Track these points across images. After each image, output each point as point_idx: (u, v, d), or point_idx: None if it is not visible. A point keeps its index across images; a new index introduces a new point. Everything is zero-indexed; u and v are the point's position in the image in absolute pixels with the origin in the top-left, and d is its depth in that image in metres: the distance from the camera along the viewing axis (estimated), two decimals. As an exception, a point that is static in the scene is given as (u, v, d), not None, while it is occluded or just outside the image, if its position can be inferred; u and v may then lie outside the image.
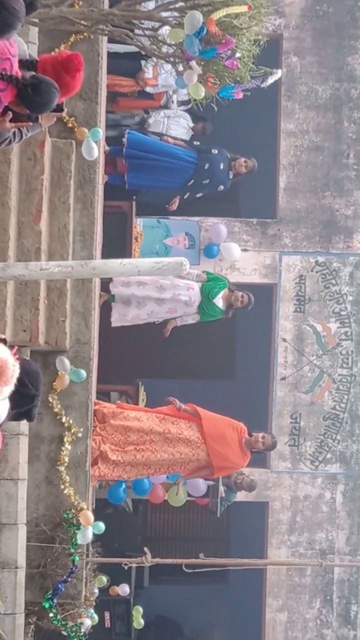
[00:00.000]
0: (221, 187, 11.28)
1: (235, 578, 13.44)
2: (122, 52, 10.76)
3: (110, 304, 10.38)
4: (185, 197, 11.29)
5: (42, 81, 5.35)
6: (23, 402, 5.00)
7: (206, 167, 11.05)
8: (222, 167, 11.12)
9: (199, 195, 11.35)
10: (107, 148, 10.81)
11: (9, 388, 4.61)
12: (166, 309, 10.32)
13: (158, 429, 9.23)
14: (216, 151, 11.11)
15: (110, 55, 10.30)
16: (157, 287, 10.16)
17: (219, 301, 10.40)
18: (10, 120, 5.48)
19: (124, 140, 10.90)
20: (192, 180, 11.10)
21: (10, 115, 5.44)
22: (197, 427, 9.35)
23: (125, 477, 9.34)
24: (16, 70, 5.34)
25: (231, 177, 11.22)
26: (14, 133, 5.75)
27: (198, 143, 11.25)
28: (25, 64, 5.51)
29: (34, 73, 5.46)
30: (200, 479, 10.29)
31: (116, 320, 10.39)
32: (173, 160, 11.02)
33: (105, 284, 10.19)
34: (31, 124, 5.69)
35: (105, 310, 10.33)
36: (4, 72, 5.23)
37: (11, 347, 4.74)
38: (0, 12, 4.99)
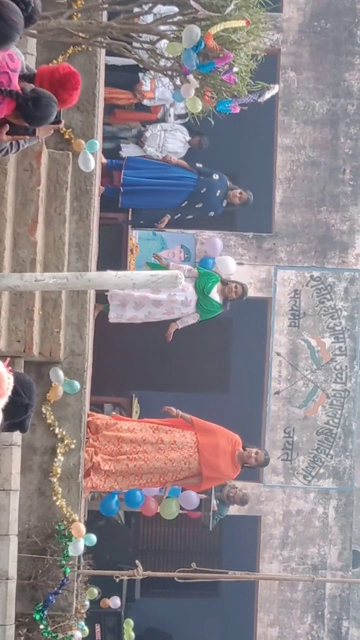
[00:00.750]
0: (212, 213, 11.35)
1: (226, 592, 13.43)
2: (119, 65, 10.79)
3: (106, 313, 10.41)
4: (175, 217, 11.35)
5: (42, 96, 5.36)
6: (16, 412, 5.00)
7: (203, 192, 11.11)
8: (218, 194, 11.18)
9: (189, 217, 11.42)
10: (105, 160, 10.85)
11: (3, 401, 4.62)
12: (163, 310, 10.36)
13: (151, 439, 9.23)
14: (217, 177, 11.16)
15: (108, 67, 10.34)
16: (153, 288, 10.20)
17: (215, 295, 10.45)
18: (8, 133, 5.49)
19: (123, 164, 10.99)
20: (186, 202, 11.16)
21: (7, 127, 5.45)
22: (191, 436, 9.36)
23: (117, 487, 9.33)
24: (15, 85, 5.35)
25: (224, 205, 11.27)
26: (11, 144, 5.76)
27: (201, 165, 11.28)
28: (23, 77, 5.53)
29: (33, 87, 5.47)
30: (192, 492, 10.28)
31: (114, 318, 10.42)
32: (171, 181, 11.09)
33: (100, 294, 10.21)
34: (28, 137, 5.70)
35: (100, 321, 10.33)
36: (0, 87, 5.25)
37: (3, 358, 4.75)
38: (-1, 24, 5.01)
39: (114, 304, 10.34)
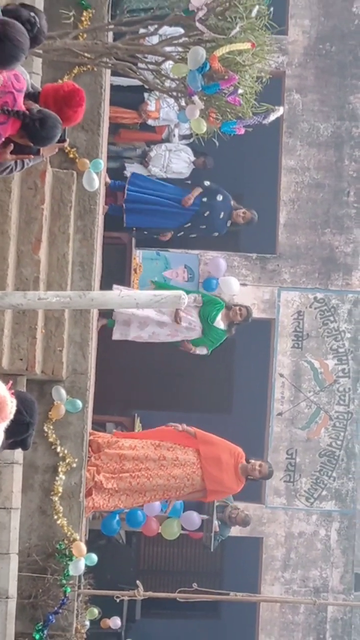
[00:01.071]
0: (216, 234, 11.37)
1: (227, 614, 13.37)
2: (125, 85, 10.84)
3: (109, 330, 10.41)
4: (179, 235, 11.37)
5: (49, 117, 5.40)
6: (18, 430, 5.00)
7: (206, 215, 11.13)
8: (221, 216, 11.19)
9: (192, 235, 11.44)
10: (109, 180, 10.88)
11: (5, 423, 4.64)
12: (167, 331, 10.39)
13: (153, 456, 9.22)
14: (221, 198, 11.14)
15: (113, 87, 10.38)
16: (157, 311, 10.22)
17: (220, 324, 10.45)
18: (12, 152, 5.52)
19: (127, 182, 11.02)
20: (189, 224, 11.18)
21: (11, 147, 5.48)
22: (193, 452, 9.35)
23: (121, 506, 9.30)
24: (20, 105, 5.39)
25: (228, 225, 11.27)
26: (15, 162, 5.79)
27: (209, 183, 11.29)
28: (28, 96, 5.57)
29: (39, 107, 5.51)
30: (194, 512, 10.26)
31: (118, 336, 10.42)
32: (174, 203, 11.11)
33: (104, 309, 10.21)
34: (32, 156, 5.73)
35: (103, 340, 10.33)
36: (5, 107, 5.28)
37: (6, 378, 4.76)
38: (4, 44, 5.04)
39: (119, 321, 10.35)
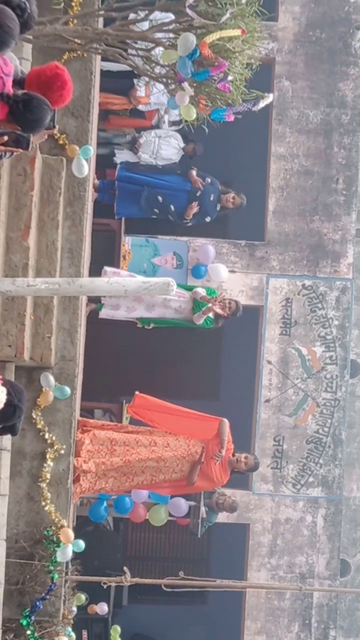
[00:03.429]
0: (208, 219, 11.33)
1: (214, 599, 13.40)
2: (114, 71, 10.81)
3: (97, 314, 10.39)
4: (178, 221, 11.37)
5: (33, 98, 5.37)
6: (6, 413, 5.00)
7: (198, 194, 11.09)
8: (212, 198, 11.18)
9: (189, 224, 11.39)
10: (97, 182, 10.84)
11: None
12: (155, 314, 10.35)
13: (144, 441, 9.24)
14: (209, 180, 11.15)
15: (103, 73, 10.35)
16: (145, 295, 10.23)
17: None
18: (2, 144, 5.49)
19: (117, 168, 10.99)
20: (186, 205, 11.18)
21: (3, 139, 5.45)
22: (184, 440, 9.38)
23: (107, 488, 9.31)
24: (9, 89, 5.36)
25: (218, 209, 11.26)
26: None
27: (196, 169, 11.29)
28: (16, 82, 5.54)
29: (25, 90, 5.48)
30: (181, 498, 10.28)
31: (105, 315, 10.39)
32: (166, 184, 11.08)
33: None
34: (21, 150, 5.70)
35: (91, 326, 10.32)
36: None
37: None
38: (-6, 29, 5.03)
39: (108, 304, 10.33)
